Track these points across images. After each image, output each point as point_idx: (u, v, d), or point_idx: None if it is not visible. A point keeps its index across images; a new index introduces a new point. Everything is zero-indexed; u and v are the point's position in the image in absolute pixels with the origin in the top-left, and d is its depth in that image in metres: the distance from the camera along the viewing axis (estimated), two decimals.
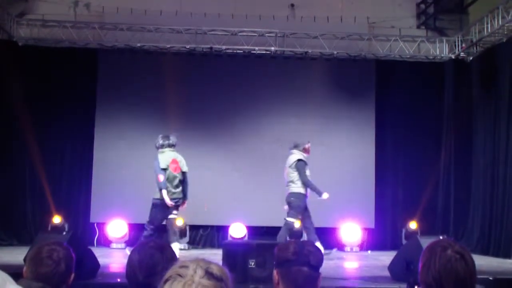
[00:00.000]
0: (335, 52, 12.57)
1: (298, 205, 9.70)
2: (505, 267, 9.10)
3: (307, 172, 9.72)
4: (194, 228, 12.37)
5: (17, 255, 7.81)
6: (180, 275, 1.61)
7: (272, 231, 12.13)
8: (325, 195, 9.71)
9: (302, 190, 9.70)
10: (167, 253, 2.69)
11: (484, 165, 11.76)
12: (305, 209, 9.80)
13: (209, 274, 1.62)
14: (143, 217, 12.03)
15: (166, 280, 1.63)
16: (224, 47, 12.45)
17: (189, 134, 12.40)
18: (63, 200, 11.89)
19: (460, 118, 12.52)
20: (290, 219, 9.74)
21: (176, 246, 8.65)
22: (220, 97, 12.56)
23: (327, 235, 12.36)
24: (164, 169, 9.06)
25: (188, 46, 12.43)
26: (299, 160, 9.72)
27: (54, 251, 2.95)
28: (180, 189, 9.18)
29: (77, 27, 12.30)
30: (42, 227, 11.50)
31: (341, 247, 12.29)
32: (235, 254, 6.90)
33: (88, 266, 6.76)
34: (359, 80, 12.90)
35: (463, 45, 12.45)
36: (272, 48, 12.46)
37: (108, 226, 11.78)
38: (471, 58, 12.56)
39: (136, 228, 12.14)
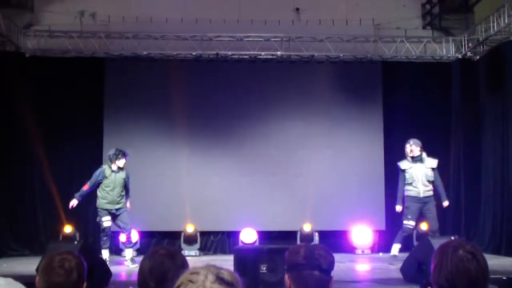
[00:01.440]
0: (341, 55, 12.57)
1: (405, 207, 9.71)
2: None
3: (408, 175, 9.64)
4: (204, 234, 12.38)
5: (29, 265, 7.85)
6: (191, 281, 1.62)
7: (282, 236, 12.17)
8: (398, 208, 9.74)
9: (406, 193, 9.68)
10: (178, 260, 2.70)
11: (494, 163, 11.72)
12: (418, 212, 9.69)
13: (220, 279, 1.62)
14: (154, 225, 12.14)
15: (178, 287, 1.64)
16: (230, 52, 12.47)
17: (197, 140, 12.44)
18: (73, 209, 11.89)
19: (468, 117, 12.48)
20: (404, 222, 9.73)
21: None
22: (227, 103, 12.58)
23: (338, 238, 12.36)
24: None
25: (194, 53, 12.46)
26: (397, 165, 9.81)
27: (66, 260, 2.95)
28: None
29: (83, 37, 12.36)
30: (53, 236, 11.53)
31: (352, 250, 12.27)
32: (247, 259, 6.90)
33: (100, 275, 6.78)
34: (366, 82, 12.88)
35: (470, 44, 12.42)
36: (278, 53, 12.47)
37: (119, 235, 11.78)
38: (477, 57, 12.53)
39: (147, 236, 12.17)
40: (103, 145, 12.18)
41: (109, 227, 9.67)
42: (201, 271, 1.64)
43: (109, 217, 9.63)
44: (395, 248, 9.69)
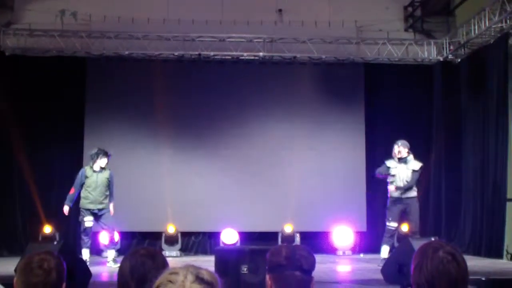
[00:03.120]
0: (323, 57, 12.60)
1: (387, 208, 9.74)
2: (497, 267, 9.13)
3: (393, 172, 9.59)
4: (185, 235, 12.34)
5: (8, 266, 7.76)
6: (171, 281, 1.62)
7: (264, 237, 12.17)
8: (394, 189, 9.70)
9: (390, 193, 9.70)
10: (158, 260, 2.68)
11: (474, 166, 11.80)
12: (400, 213, 9.68)
13: (199, 279, 1.63)
14: (135, 225, 12.09)
15: (157, 287, 1.63)
16: (212, 53, 12.45)
17: (179, 141, 12.41)
18: (53, 209, 11.77)
19: (449, 120, 12.56)
20: (386, 224, 9.72)
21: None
22: (209, 103, 12.55)
23: (320, 239, 12.39)
24: None
25: (176, 53, 12.42)
26: (384, 162, 9.83)
27: (45, 261, 2.92)
28: None
29: (64, 36, 12.26)
30: (32, 237, 11.43)
31: (333, 251, 12.29)
32: (228, 260, 6.88)
33: (80, 275, 6.72)
34: (348, 84, 12.92)
35: (451, 47, 12.51)
36: (261, 54, 12.47)
37: (99, 235, 11.70)
38: (459, 60, 12.62)
39: (127, 236, 12.11)
40: (84, 145, 12.10)
41: (91, 227, 9.58)
42: (180, 271, 1.65)
43: (91, 217, 9.54)
44: (384, 250, 9.65)
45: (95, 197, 9.51)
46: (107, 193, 9.65)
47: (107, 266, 9.55)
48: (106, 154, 9.65)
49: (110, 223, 9.69)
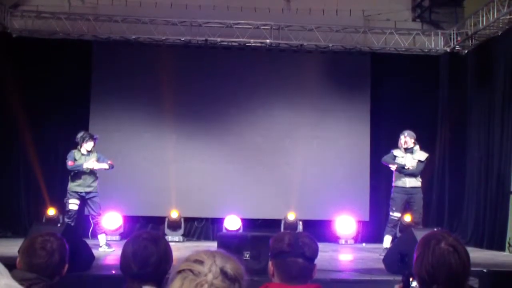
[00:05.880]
0: (330, 45, 12.55)
1: (390, 199, 9.75)
2: (499, 259, 9.13)
3: (399, 161, 9.52)
4: (189, 220, 12.37)
5: (11, 247, 7.80)
6: (192, 272, 1.55)
7: (267, 224, 12.19)
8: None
9: (394, 183, 9.70)
10: (160, 245, 2.70)
11: (479, 158, 11.79)
12: (404, 203, 9.64)
13: (224, 273, 1.55)
14: (138, 210, 12.13)
15: (179, 272, 1.58)
16: (219, 39, 12.41)
17: (183, 126, 12.41)
18: (57, 192, 11.78)
19: (455, 111, 12.53)
20: (390, 214, 9.69)
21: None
22: (215, 90, 12.53)
23: (322, 228, 12.39)
24: None
25: (183, 38, 12.39)
26: (391, 151, 9.77)
27: (48, 242, 2.94)
28: None
29: (71, 19, 12.24)
30: (36, 219, 11.47)
31: (335, 239, 12.31)
32: (230, 246, 6.89)
33: (83, 257, 6.76)
34: (355, 73, 12.88)
35: (458, 38, 12.45)
36: (267, 41, 12.44)
37: (102, 218, 11.73)
38: (466, 51, 12.57)
39: (131, 221, 12.15)
40: (89, 129, 12.06)
41: (75, 210, 9.48)
42: (206, 261, 1.57)
43: (77, 201, 9.44)
44: (387, 240, 9.63)
45: (83, 180, 9.48)
46: (95, 176, 9.62)
47: (100, 250, 9.43)
48: (92, 138, 9.58)
49: (97, 208, 9.64)
